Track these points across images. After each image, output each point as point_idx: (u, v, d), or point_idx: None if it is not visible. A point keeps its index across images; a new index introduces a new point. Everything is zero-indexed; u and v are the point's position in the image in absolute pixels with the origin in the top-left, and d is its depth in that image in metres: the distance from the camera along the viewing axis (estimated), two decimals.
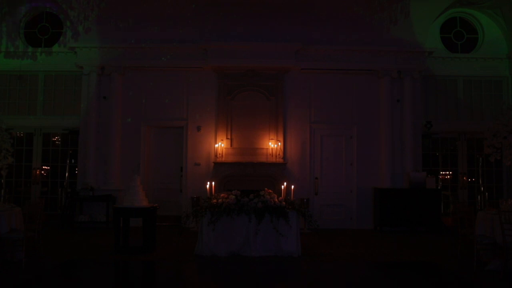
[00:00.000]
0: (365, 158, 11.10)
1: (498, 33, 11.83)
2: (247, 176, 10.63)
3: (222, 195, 7.73)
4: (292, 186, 8.54)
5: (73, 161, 11.49)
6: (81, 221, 10.43)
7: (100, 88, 11.00)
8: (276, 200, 7.51)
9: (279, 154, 10.81)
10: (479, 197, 11.71)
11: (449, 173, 11.81)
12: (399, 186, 10.84)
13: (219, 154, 10.73)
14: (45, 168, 11.61)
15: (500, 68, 11.78)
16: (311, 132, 11.15)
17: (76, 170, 11.23)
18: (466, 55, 11.88)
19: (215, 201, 7.55)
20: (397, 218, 10.43)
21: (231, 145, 10.89)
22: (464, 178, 11.68)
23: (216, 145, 10.78)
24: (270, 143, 10.84)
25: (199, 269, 7.08)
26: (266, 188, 7.98)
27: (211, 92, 11.07)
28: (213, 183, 8.61)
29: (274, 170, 10.71)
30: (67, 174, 11.44)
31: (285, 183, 8.50)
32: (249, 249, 7.37)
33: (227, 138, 10.90)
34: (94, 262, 7.17)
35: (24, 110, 11.58)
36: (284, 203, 7.51)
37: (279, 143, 10.85)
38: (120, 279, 6.79)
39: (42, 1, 11.53)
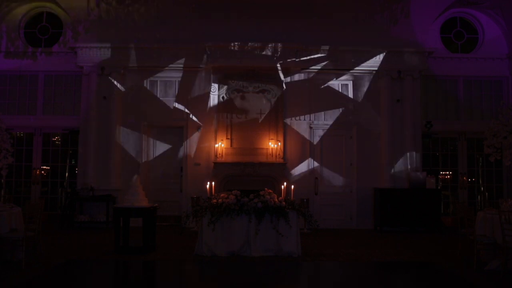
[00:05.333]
0: (365, 158, 11.10)
1: (498, 33, 11.83)
2: (247, 176, 10.64)
3: (222, 195, 7.73)
4: (292, 186, 8.55)
5: (73, 161, 11.49)
6: (81, 221, 10.43)
7: (100, 88, 11.00)
8: (276, 200, 7.50)
9: (279, 154, 10.81)
10: (479, 197, 11.72)
11: (449, 173, 11.81)
12: (399, 186, 10.84)
13: (219, 154, 10.73)
14: (45, 168, 11.60)
15: (500, 68, 11.77)
16: (311, 132, 11.15)
17: (76, 170, 11.24)
18: (466, 55, 11.88)
19: (215, 201, 7.55)
20: (397, 218, 10.43)
21: (231, 145, 10.89)
22: (464, 178, 11.68)
23: (216, 145, 10.78)
24: (270, 143, 10.84)
25: (199, 269, 7.08)
26: (266, 188, 7.97)
27: (211, 92, 11.07)
28: (213, 183, 8.61)
29: (274, 170, 10.71)
30: (67, 174, 11.44)
31: (285, 183, 8.51)
32: (249, 249, 7.37)
33: (227, 138, 10.91)
34: (94, 262, 7.16)
35: (24, 110, 11.57)
36: (284, 203, 7.51)
37: (279, 143, 10.85)
38: (120, 279, 6.79)
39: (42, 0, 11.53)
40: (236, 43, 10.76)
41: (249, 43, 10.76)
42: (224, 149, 10.81)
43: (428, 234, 10.06)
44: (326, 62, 11.08)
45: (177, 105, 11.14)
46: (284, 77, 11.10)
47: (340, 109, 11.21)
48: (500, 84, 11.90)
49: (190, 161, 11.00)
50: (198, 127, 11.06)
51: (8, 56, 11.50)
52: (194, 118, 11.08)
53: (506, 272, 6.26)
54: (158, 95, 11.16)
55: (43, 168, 11.57)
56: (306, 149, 11.08)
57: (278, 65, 10.85)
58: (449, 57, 11.76)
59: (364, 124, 11.17)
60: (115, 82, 10.98)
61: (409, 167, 10.87)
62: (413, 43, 11.14)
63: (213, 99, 11.06)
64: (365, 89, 11.26)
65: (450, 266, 6.92)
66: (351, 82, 11.27)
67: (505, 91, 11.82)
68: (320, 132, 11.18)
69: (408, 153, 10.94)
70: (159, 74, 11.18)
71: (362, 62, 11.09)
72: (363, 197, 11.01)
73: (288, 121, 11.06)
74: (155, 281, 6.22)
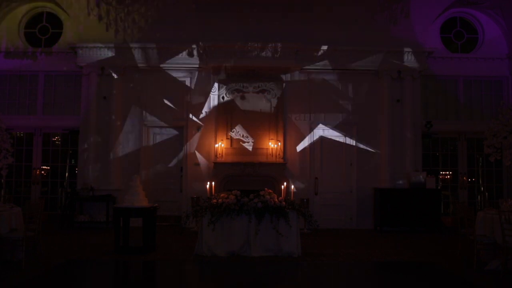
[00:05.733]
0: (365, 158, 11.10)
1: (498, 33, 11.83)
2: (247, 176, 10.63)
3: (222, 195, 7.73)
4: (292, 186, 8.55)
5: (73, 161, 11.49)
6: (81, 221, 10.43)
7: (100, 88, 10.99)
8: (276, 200, 7.51)
9: (279, 154, 10.81)
10: (479, 197, 11.72)
11: (449, 173, 11.81)
12: (399, 186, 10.84)
13: (219, 154, 10.73)
14: (45, 168, 11.60)
15: (500, 68, 11.77)
16: (311, 132, 11.15)
17: (76, 170, 11.24)
18: (466, 55, 11.87)
19: (215, 201, 7.55)
20: (397, 218, 10.43)
21: (231, 145, 10.89)
22: (464, 178, 11.67)
23: (216, 145, 10.77)
24: (270, 143, 10.84)
25: (199, 269, 7.08)
26: (266, 188, 7.98)
27: (211, 92, 11.07)
28: (213, 183, 8.61)
29: (274, 170, 10.70)
30: (67, 174, 11.44)
31: (285, 183, 8.52)
32: (249, 249, 7.37)
33: (227, 138, 10.91)
34: (94, 262, 7.17)
35: (24, 110, 11.57)
36: (284, 203, 7.51)
37: (279, 143, 10.85)
38: (120, 279, 6.79)
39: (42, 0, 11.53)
40: (236, 43, 10.75)
41: (249, 43, 10.75)
42: (224, 149, 10.81)
43: (428, 234, 10.06)
44: (326, 62, 11.08)
45: (177, 105, 11.13)
46: (284, 77, 11.11)
47: (340, 109, 11.21)
48: (500, 84, 11.90)
49: (190, 161, 11.00)
50: (198, 127, 11.06)
51: (8, 56, 11.48)
52: (194, 118, 11.08)
53: (506, 272, 6.27)
54: (158, 95, 11.15)
55: (43, 168, 11.57)
56: (306, 149, 11.08)
57: (278, 65, 10.82)
58: (449, 57, 11.75)
59: (364, 124, 11.17)
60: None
61: (409, 167, 10.87)
62: (413, 43, 11.14)
63: (213, 99, 11.06)
64: (365, 89, 11.26)
65: (450, 266, 6.92)
66: (351, 82, 11.26)
67: (505, 91, 11.82)
68: (320, 132, 11.18)
69: (408, 153, 10.93)
70: (159, 74, 11.17)
71: (362, 62, 11.09)
72: (363, 197, 11.01)
73: (288, 121, 11.06)
74: (155, 281, 6.22)
